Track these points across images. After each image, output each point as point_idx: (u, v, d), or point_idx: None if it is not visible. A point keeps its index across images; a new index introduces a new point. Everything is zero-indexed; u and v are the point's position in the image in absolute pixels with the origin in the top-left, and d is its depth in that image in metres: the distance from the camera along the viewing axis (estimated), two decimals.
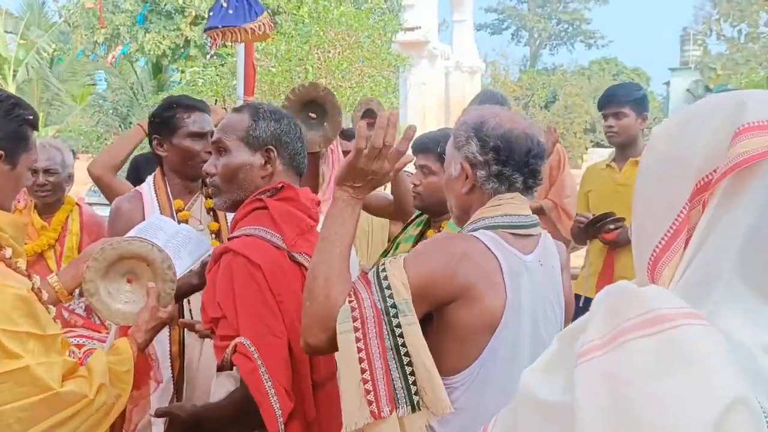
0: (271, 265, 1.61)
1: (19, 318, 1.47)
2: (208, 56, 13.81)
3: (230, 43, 4.37)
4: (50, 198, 3.05)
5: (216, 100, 6.86)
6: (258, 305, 1.59)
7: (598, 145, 20.49)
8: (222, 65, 11.72)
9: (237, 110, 1.84)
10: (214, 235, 2.42)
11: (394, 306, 1.33)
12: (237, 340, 1.56)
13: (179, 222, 2.33)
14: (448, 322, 1.40)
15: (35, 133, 1.65)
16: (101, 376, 1.56)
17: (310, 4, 10.42)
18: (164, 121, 2.38)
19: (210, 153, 2.04)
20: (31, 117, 1.63)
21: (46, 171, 2.98)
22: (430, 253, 1.42)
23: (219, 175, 1.76)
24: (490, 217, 1.48)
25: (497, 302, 1.40)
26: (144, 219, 2.32)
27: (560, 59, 73.03)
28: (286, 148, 1.75)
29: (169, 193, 2.41)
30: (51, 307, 1.68)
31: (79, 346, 2.58)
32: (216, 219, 2.43)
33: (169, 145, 2.38)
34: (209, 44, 4.61)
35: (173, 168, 2.42)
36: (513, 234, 1.47)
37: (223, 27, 4.05)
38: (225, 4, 4.00)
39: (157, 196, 2.39)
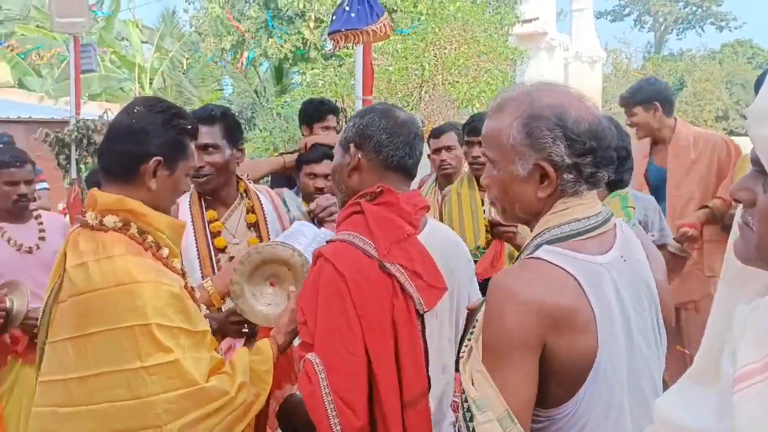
0: (357, 276, 1.53)
1: (173, 314, 1.56)
2: (327, 59, 14.23)
3: (351, 45, 4.47)
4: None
5: (335, 100, 7.05)
6: (337, 317, 1.53)
7: (731, 133, 19.11)
8: (340, 66, 12.02)
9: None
10: None
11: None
12: (307, 356, 1.54)
13: (211, 233, 2.33)
14: (543, 360, 1.27)
15: (193, 141, 1.76)
16: (242, 375, 1.61)
17: (426, 1, 10.45)
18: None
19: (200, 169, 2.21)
20: (190, 126, 1.74)
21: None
22: (500, 324, 1.23)
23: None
24: (555, 226, 1.31)
25: (586, 322, 1.24)
26: None
27: (688, 44, 68.63)
28: (369, 141, 1.69)
29: (203, 203, 2.38)
30: (203, 305, 1.79)
31: None
32: (258, 234, 2.39)
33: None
34: (332, 47, 4.74)
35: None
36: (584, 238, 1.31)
37: (346, 30, 4.16)
38: (347, 8, 4.11)
39: (190, 205, 2.37)
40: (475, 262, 2.54)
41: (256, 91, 16.90)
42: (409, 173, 1.73)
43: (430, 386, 1.62)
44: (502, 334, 1.22)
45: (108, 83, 16.65)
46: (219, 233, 2.35)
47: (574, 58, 16.95)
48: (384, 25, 4.24)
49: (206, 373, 1.57)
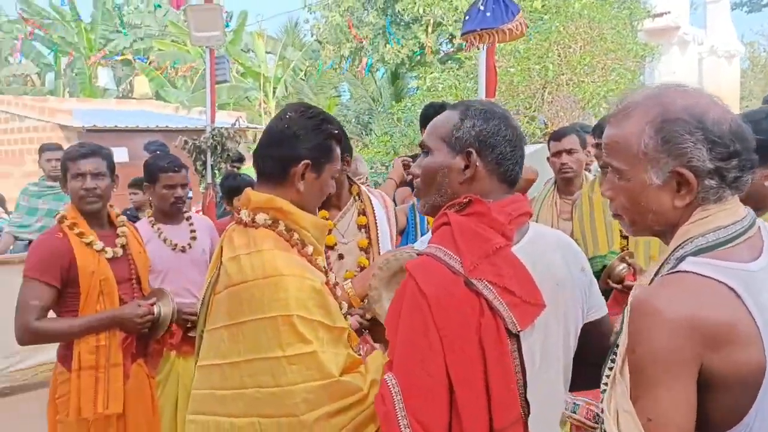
0: (439, 294, 1.42)
1: (313, 307, 1.59)
2: (444, 62, 14.18)
3: (480, 46, 4.37)
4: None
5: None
6: (418, 338, 1.42)
7: None
8: (459, 69, 11.92)
9: (451, 107, 1.64)
10: (363, 252, 2.41)
11: None
12: (384, 377, 1.46)
13: None
14: (701, 383, 1.14)
15: (339, 146, 1.80)
16: (375, 373, 1.61)
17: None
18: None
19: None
20: (337, 131, 1.79)
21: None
22: (646, 346, 1.12)
23: (420, 176, 1.61)
24: (699, 236, 1.20)
25: (748, 335, 1.12)
26: None
27: None
28: (492, 151, 1.53)
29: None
30: (344, 303, 1.80)
31: None
32: (368, 236, 2.41)
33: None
34: (465, 47, 4.66)
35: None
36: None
37: (481, 30, 4.07)
38: (482, 7, 4.02)
39: None
40: (605, 267, 2.39)
41: (372, 98, 17.14)
42: (515, 186, 1.60)
43: (529, 410, 1.48)
44: (648, 357, 1.11)
45: (236, 93, 17.50)
46: (330, 231, 2.38)
47: (709, 52, 15.85)
48: (519, 23, 4.11)
49: (341, 369, 1.59)
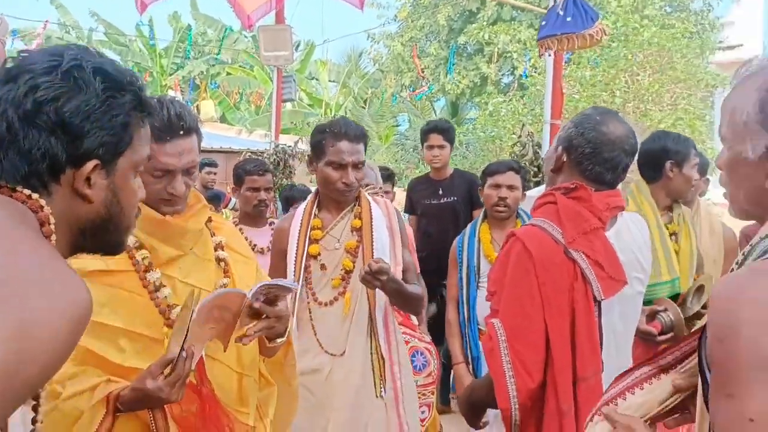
0: (543, 256, 1.68)
1: None
2: (505, 92, 14.18)
3: (559, 50, 4.35)
4: None
5: (522, 125, 6.93)
6: (522, 290, 1.68)
7: None
8: (522, 97, 11.88)
9: None
10: (349, 254, 2.41)
11: None
12: (491, 320, 1.71)
13: (310, 240, 2.40)
14: None
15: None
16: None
17: (617, 27, 10.04)
18: (314, 145, 2.45)
19: (351, 182, 2.32)
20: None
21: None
22: (737, 340, 1.01)
23: None
24: None
25: None
26: (288, 235, 2.43)
27: None
28: (575, 150, 1.81)
29: (315, 210, 2.48)
30: None
31: (405, 342, 2.70)
32: (360, 239, 2.42)
33: (316, 167, 2.44)
34: (539, 53, 4.64)
35: (321, 189, 2.49)
36: None
37: (561, 34, 4.05)
38: (561, 12, 4.00)
39: (303, 213, 2.48)
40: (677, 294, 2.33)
41: None
42: (606, 184, 1.82)
43: (603, 367, 1.72)
44: (746, 351, 1.00)
45: (297, 118, 17.85)
46: (317, 241, 2.43)
47: None
48: (600, 29, 4.08)
49: None
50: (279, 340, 1.67)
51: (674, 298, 2.34)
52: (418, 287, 2.55)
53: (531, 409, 1.69)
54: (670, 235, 2.74)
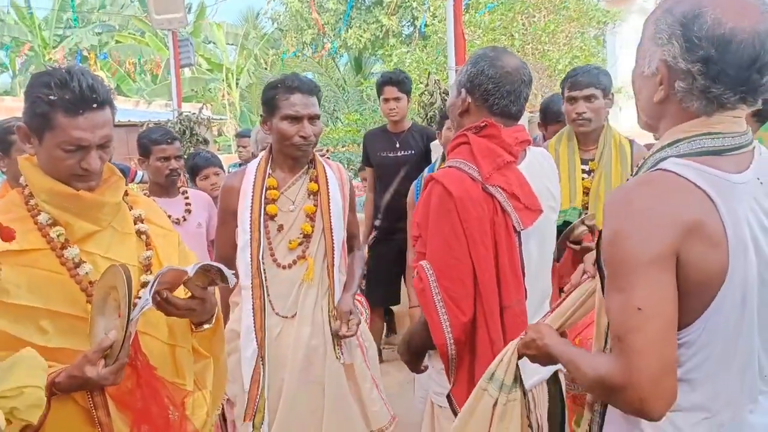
0: (463, 195, 1.72)
1: None
2: (407, 44, 14.18)
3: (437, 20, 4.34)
4: None
5: (429, 74, 6.98)
6: (446, 228, 1.72)
7: None
8: (425, 46, 11.93)
9: None
10: (308, 219, 2.40)
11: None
12: (420, 263, 1.75)
13: (266, 200, 2.37)
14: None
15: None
16: None
17: None
18: (267, 101, 2.38)
19: (308, 135, 2.31)
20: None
21: None
22: (628, 240, 1.14)
23: None
24: (687, 139, 1.19)
25: (718, 238, 1.13)
26: (239, 193, 2.38)
27: None
28: (478, 88, 1.84)
29: (269, 170, 2.42)
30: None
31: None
32: (317, 203, 2.41)
33: (270, 125, 2.38)
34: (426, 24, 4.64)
35: (276, 147, 2.42)
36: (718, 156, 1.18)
37: None
38: None
39: (255, 172, 2.41)
40: (569, 223, 2.40)
41: (337, 84, 17.04)
42: (512, 117, 1.87)
43: (527, 295, 1.80)
44: (634, 248, 1.13)
45: (198, 84, 17.24)
46: (274, 201, 2.39)
47: None
48: None
49: None
50: (206, 326, 1.66)
51: (565, 226, 2.41)
52: (360, 257, 2.66)
53: (465, 342, 1.75)
54: (589, 172, 2.88)
